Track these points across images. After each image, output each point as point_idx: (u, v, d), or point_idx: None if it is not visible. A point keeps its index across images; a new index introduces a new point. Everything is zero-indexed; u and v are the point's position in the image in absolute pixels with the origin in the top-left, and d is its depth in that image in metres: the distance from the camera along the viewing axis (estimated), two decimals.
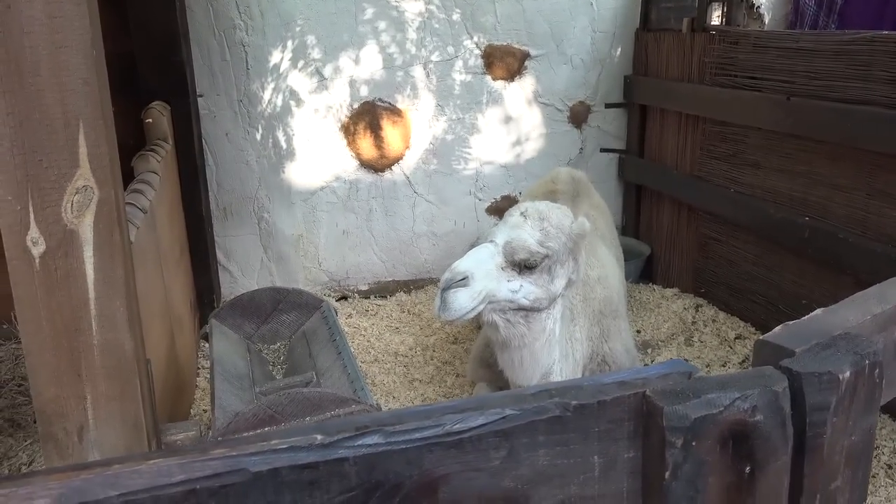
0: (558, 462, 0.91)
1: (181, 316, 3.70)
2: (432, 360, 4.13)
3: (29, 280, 1.82)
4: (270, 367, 3.02)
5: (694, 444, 0.88)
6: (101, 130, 1.78)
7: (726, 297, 4.39)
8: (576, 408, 0.90)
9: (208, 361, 4.12)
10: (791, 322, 1.07)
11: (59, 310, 1.86)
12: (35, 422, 3.64)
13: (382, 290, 5.07)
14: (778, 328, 1.05)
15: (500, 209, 5.12)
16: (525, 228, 2.52)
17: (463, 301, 2.39)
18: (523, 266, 2.48)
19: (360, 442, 0.83)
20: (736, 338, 4.14)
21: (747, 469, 0.92)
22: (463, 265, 2.42)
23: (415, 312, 4.75)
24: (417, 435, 0.85)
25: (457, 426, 0.86)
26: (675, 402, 0.89)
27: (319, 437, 0.83)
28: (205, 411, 3.66)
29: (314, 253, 4.92)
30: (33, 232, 1.79)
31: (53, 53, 1.70)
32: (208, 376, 3.97)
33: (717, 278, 4.45)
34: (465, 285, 2.39)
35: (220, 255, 4.77)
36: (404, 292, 5.06)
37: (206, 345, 4.30)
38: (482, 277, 2.42)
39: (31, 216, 1.78)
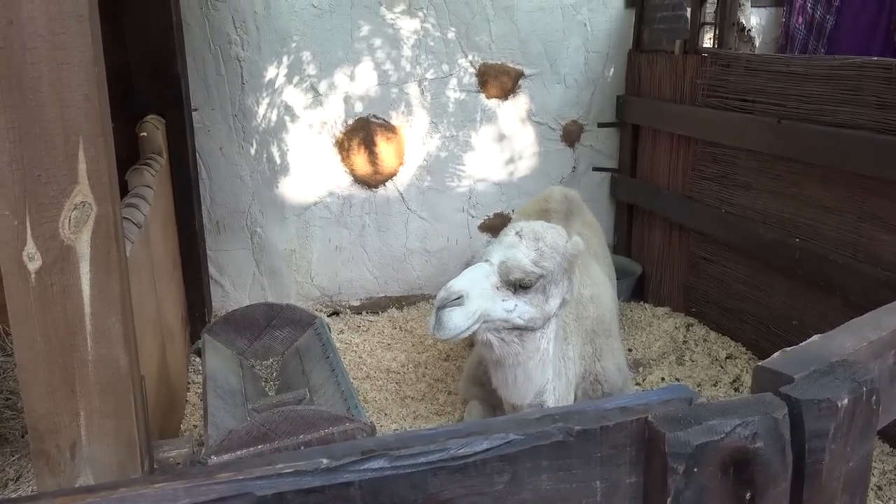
0: (561, 487, 0.91)
1: (173, 330, 3.68)
2: (424, 377, 4.13)
3: (24, 295, 1.81)
4: (263, 384, 3.01)
5: (696, 470, 0.89)
6: (100, 147, 1.78)
7: (717, 316, 4.41)
8: (579, 433, 0.90)
9: (199, 376, 4.11)
10: (789, 348, 1.08)
11: (54, 325, 1.85)
12: (23, 436, 3.62)
13: (374, 306, 5.06)
14: (776, 354, 1.06)
15: (492, 226, 5.15)
16: (520, 248, 2.53)
17: (458, 320, 2.40)
18: (518, 286, 2.49)
19: (365, 466, 0.84)
20: (727, 357, 4.16)
21: (748, 495, 0.93)
22: (458, 284, 2.43)
23: (407, 329, 4.75)
24: (422, 459, 0.85)
25: (461, 451, 0.87)
26: (677, 429, 0.89)
27: (325, 461, 0.83)
28: (195, 426, 3.64)
29: (306, 268, 4.92)
30: (30, 247, 1.79)
31: (55, 70, 1.70)
32: (199, 391, 3.95)
33: (708, 298, 4.48)
34: (460, 304, 2.40)
35: (212, 270, 4.76)
36: (396, 308, 5.05)
37: (197, 359, 4.29)
38: (477, 297, 2.43)
39: (28, 231, 1.77)
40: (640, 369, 4.12)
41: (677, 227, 4.70)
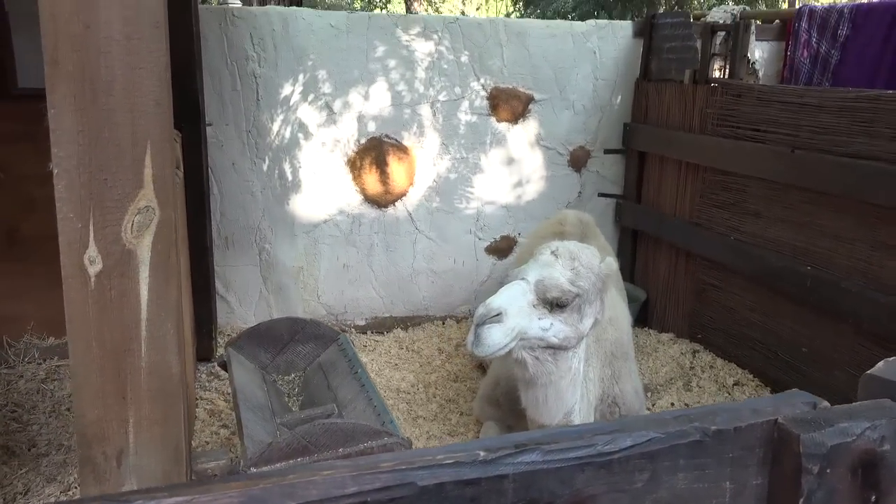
0: (694, 486, 0.93)
1: (187, 344, 3.65)
2: (434, 397, 4.12)
3: (83, 299, 1.81)
4: (286, 399, 3.00)
5: (828, 471, 0.91)
6: (167, 152, 1.79)
7: (723, 343, 4.46)
8: (714, 433, 0.93)
9: (207, 392, 4.08)
10: (890, 358, 1.11)
11: (110, 330, 1.84)
12: (30, 449, 3.56)
13: (380, 326, 5.06)
14: (881, 364, 1.09)
15: (499, 249, 5.19)
16: (556, 267, 2.56)
17: (496, 337, 2.41)
18: (554, 304, 2.52)
19: (519, 459, 0.85)
20: (734, 384, 4.20)
21: (872, 498, 0.95)
22: (497, 301, 2.45)
23: (414, 349, 4.74)
24: (572, 454, 0.87)
25: (608, 447, 0.88)
26: (810, 430, 0.92)
27: (482, 453, 0.84)
28: (206, 443, 3.60)
29: (313, 286, 4.91)
30: (91, 251, 1.78)
31: (128, 74, 1.72)
32: (207, 407, 3.92)
33: (715, 324, 4.53)
34: (498, 321, 2.42)
35: (218, 285, 4.73)
36: (402, 329, 5.05)
37: (203, 375, 4.26)
38: (515, 314, 2.45)
39: (91, 235, 1.77)
40: (650, 394, 4.14)
41: (684, 254, 4.76)
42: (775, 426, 0.95)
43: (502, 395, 3.45)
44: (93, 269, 1.79)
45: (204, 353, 4.37)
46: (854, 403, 0.99)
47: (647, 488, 0.91)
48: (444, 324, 5.13)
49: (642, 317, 5.12)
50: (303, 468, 0.80)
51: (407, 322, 5.11)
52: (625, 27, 5.16)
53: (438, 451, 0.84)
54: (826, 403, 0.99)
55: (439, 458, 0.83)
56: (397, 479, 0.81)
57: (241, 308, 4.85)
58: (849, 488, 0.94)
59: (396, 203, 4.93)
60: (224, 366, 3.02)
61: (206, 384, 4.20)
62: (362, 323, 5.04)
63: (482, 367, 4.34)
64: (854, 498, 0.94)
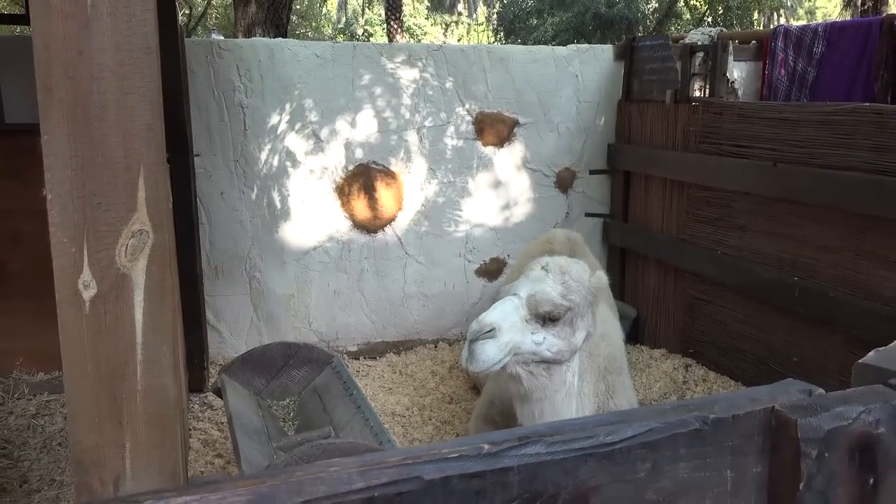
0: (696, 475, 0.95)
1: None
2: (430, 419, 4.11)
3: (77, 324, 1.80)
4: (281, 423, 2.98)
5: (827, 455, 0.93)
6: (160, 175, 1.81)
7: (715, 356, 4.49)
8: (713, 421, 0.94)
9: (200, 423, 4.05)
10: (881, 348, 1.14)
11: (105, 355, 1.83)
12: (21, 486, 3.51)
13: (372, 352, 5.05)
14: (871, 353, 1.12)
15: (489, 271, 5.21)
16: (547, 282, 2.59)
17: (490, 353, 2.43)
18: (547, 319, 2.54)
19: (523, 451, 0.86)
20: None
21: (871, 481, 0.97)
22: (490, 317, 2.46)
23: (407, 373, 4.73)
24: (575, 445, 0.88)
25: (609, 437, 0.90)
26: (807, 415, 0.94)
27: (486, 446, 0.85)
28: (201, 472, 3.57)
29: (304, 313, 4.90)
30: (86, 275, 1.78)
31: (120, 99, 1.73)
32: (201, 437, 3.89)
33: (706, 338, 4.55)
34: (492, 337, 2.43)
35: (209, 315, 4.71)
36: (394, 353, 5.04)
37: (196, 406, 4.22)
38: (508, 329, 2.47)
39: (85, 259, 1.77)
40: None
41: (672, 270, 4.80)
42: (772, 413, 0.96)
43: (497, 413, 3.45)
44: (87, 294, 1.79)
45: (196, 383, 4.35)
46: (848, 389, 1.02)
47: (649, 478, 0.92)
48: (436, 347, 5.12)
49: (633, 334, 5.14)
50: (310, 466, 0.81)
51: (399, 346, 5.10)
52: (606, 51, 5.25)
53: (444, 446, 0.85)
54: (821, 391, 1.01)
55: (444, 452, 0.84)
56: (403, 474, 0.82)
57: (233, 337, 4.83)
58: (847, 472, 0.95)
59: (386, 228, 4.96)
60: (218, 392, 3.01)
61: (199, 414, 4.17)
62: (354, 349, 5.03)
63: (476, 388, 4.33)
64: (853, 481, 0.96)
